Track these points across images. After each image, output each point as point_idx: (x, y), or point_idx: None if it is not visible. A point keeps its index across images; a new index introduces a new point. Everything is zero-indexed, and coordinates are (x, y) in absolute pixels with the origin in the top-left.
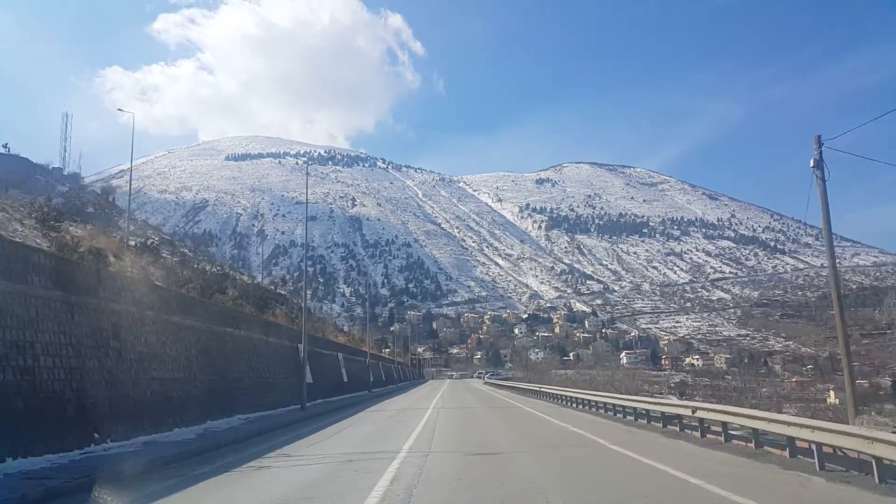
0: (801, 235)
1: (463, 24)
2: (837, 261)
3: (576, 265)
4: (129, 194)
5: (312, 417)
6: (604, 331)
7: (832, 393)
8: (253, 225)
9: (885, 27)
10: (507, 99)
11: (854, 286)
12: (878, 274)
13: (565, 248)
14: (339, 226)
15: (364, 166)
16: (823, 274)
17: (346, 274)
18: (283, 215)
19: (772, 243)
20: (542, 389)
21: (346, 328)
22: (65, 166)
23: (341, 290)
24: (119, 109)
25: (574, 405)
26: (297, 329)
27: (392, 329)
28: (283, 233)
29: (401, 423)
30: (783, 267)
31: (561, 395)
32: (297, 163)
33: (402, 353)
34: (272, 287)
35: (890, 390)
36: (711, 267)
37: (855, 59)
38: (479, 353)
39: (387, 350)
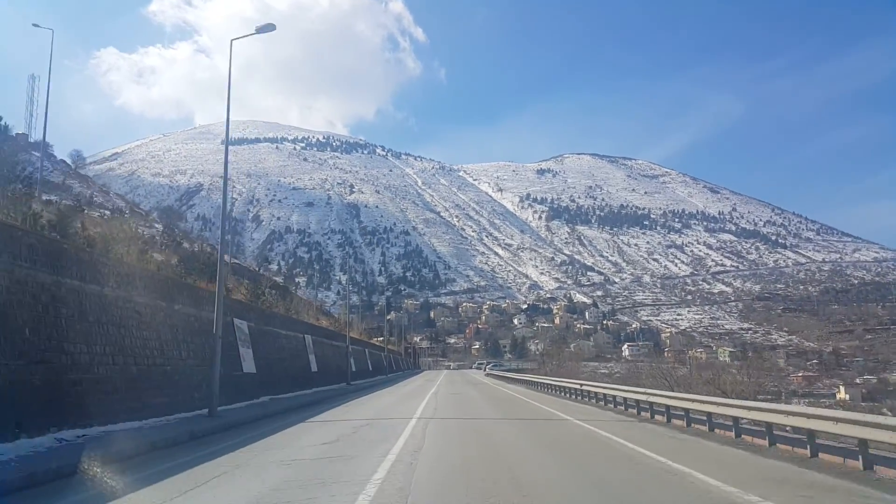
0: (802, 230)
1: (464, 11)
2: (838, 256)
3: (576, 256)
4: (45, 121)
5: (207, 436)
6: (605, 322)
7: (842, 388)
8: (248, 210)
9: (889, 21)
10: (509, 88)
11: (856, 281)
12: (879, 269)
13: (566, 238)
14: (336, 212)
15: (363, 153)
16: (825, 269)
17: (342, 261)
18: (280, 201)
19: (773, 237)
20: (584, 387)
21: (338, 315)
22: (30, 133)
23: (337, 278)
24: (34, 25)
25: (664, 419)
26: (240, 300)
27: (388, 318)
28: (278, 218)
29: (331, 473)
30: (784, 261)
31: (626, 400)
32: (294, 148)
33: (398, 342)
34: (256, 269)
35: None
36: (712, 260)
37: (858, 54)
38: (477, 343)
39: (379, 339)
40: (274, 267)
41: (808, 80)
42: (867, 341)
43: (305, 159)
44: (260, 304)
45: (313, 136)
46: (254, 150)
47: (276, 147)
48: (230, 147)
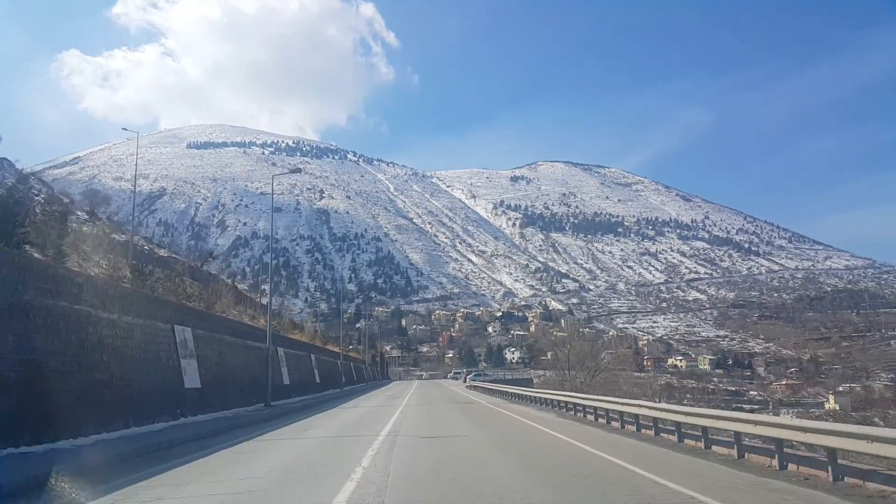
0: (775, 238)
1: (437, 16)
2: (811, 264)
3: (550, 263)
4: None
5: None
6: (581, 330)
7: (832, 397)
8: (213, 215)
9: (854, 38)
10: (482, 96)
11: (829, 289)
12: (851, 277)
13: (540, 245)
14: (305, 218)
15: (334, 158)
16: (798, 276)
17: (311, 268)
18: (246, 206)
19: (746, 245)
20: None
21: (301, 322)
22: None
23: (305, 285)
24: None
25: None
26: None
27: (358, 326)
28: (244, 224)
29: None
30: (758, 269)
31: None
32: (262, 153)
33: (366, 350)
34: (198, 265)
35: (884, 393)
36: (686, 267)
37: (825, 69)
38: (450, 351)
39: (334, 345)
40: (236, 268)
41: (776, 92)
42: (844, 349)
43: (274, 164)
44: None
45: (283, 141)
46: (220, 155)
47: (244, 152)
48: (197, 151)
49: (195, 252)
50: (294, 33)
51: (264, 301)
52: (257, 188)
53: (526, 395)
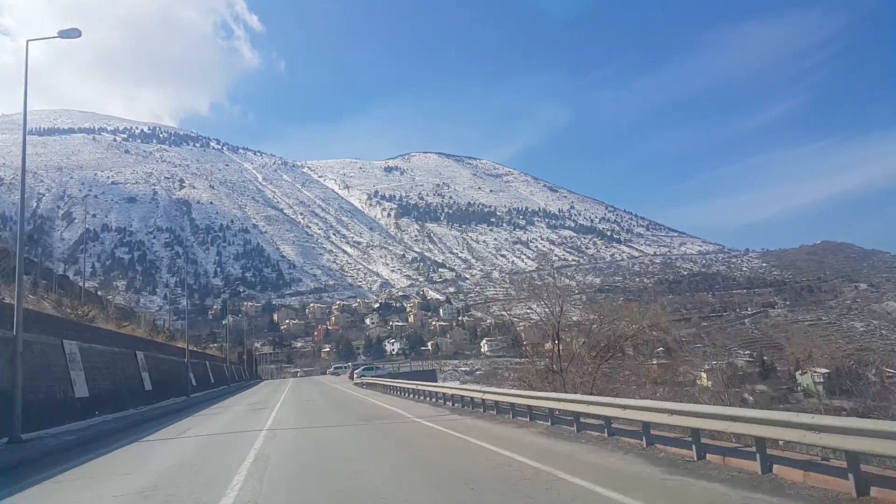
0: (634, 226)
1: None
2: (668, 249)
3: (427, 253)
4: None
5: None
6: (460, 318)
7: (704, 375)
8: (58, 207)
9: (696, 42)
10: (354, 85)
11: (685, 272)
12: (704, 261)
13: (415, 236)
14: (163, 209)
15: (195, 146)
16: (657, 262)
17: (171, 262)
18: (96, 196)
19: (608, 233)
20: None
21: (164, 323)
22: None
23: (164, 280)
24: None
25: None
26: None
27: (224, 322)
28: (94, 216)
29: None
30: (620, 255)
31: None
32: (114, 139)
33: (227, 348)
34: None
35: (746, 369)
36: (556, 255)
37: (667, 70)
38: (327, 345)
39: (185, 342)
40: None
41: (625, 90)
42: (703, 328)
43: (127, 151)
44: None
45: (137, 127)
46: (66, 142)
47: (94, 138)
48: (39, 138)
49: (38, 247)
50: (147, 14)
51: (126, 301)
52: (108, 177)
53: (491, 402)
